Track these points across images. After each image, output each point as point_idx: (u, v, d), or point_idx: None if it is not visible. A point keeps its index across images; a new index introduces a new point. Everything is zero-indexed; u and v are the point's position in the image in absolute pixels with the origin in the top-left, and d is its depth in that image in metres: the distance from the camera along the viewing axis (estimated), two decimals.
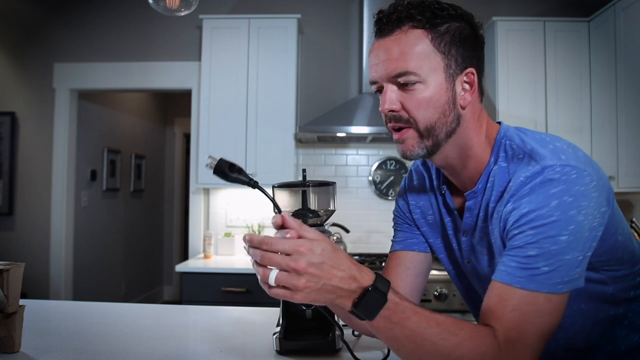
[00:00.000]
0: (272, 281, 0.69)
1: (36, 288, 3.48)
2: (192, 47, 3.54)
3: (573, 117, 3.10)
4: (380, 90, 0.89)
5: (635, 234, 2.83)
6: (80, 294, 3.85)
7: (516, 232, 0.78)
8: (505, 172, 0.86)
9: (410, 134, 0.87)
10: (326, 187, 1.16)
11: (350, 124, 2.95)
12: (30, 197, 3.63)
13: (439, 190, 1.02)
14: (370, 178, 3.45)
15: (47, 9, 3.68)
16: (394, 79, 0.85)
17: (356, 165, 3.48)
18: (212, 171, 0.82)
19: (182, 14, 1.59)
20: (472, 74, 0.87)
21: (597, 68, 3.04)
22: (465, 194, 0.92)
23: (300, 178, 1.27)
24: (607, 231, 0.82)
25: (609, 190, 0.83)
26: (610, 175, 2.86)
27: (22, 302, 1.09)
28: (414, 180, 1.10)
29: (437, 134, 0.86)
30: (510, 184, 0.82)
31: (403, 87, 0.85)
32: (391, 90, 0.86)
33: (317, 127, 2.97)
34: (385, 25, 0.85)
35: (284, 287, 0.69)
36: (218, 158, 0.83)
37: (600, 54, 3.01)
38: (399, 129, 0.88)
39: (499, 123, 0.94)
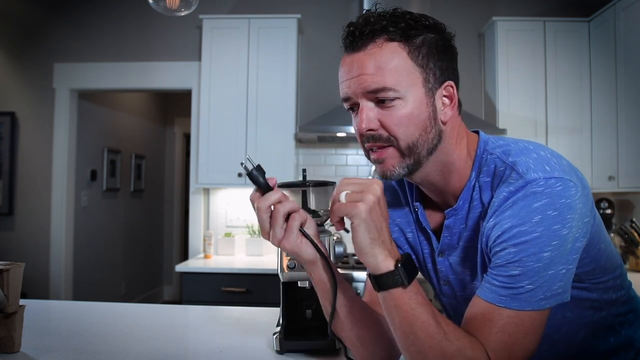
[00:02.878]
0: (343, 197, 0.76)
1: (36, 288, 3.48)
2: (192, 47, 3.54)
3: (573, 117, 3.10)
4: (353, 108, 0.85)
5: (635, 234, 2.83)
6: (80, 294, 3.85)
7: (498, 249, 0.76)
8: (488, 187, 0.83)
9: (390, 153, 0.82)
10: (326, 187, 1.16)
11: (351, 124, 2.95)
12: (30, 197, 3.63)
13: (413, 207, 0.97)
14: (370, 178, 3.44)
15: (47, 9, 3.68)
16: (370, 95, 0.80)
17: (356, 165, 3.48)
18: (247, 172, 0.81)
19: (182, 14, 1.59)
20: (452, 87, 0.84)
21: (597, 68, 3.04)
22: (445, 211, 0.88)
23: (300, 178, 1.27)
24: (591, 241, 0.81)
25: (591, 198, 0.81)
26: (610, 175, 2.86)
27: (22, 302, 1.09)
28: (385, 197, 1.05)
29: (418, 151, 0.82)
30: (493, 199, 0.79)
31: (380, 103, 0.80)
32: (368, 108, 0.81)
33: (317, 127, 2.97)
34: (358, 39, 0.80)
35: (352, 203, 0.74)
36: (255, 165, 0.81)
37: (600, 54, 3.01)
38: (377, 148, 0.83)
39: (477, 132, 0.91)
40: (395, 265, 0.74)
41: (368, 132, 0.81)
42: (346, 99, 0.84)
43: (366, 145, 0.84)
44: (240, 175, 3.13)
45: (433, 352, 0.73)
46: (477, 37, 3.48)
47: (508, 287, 0.74)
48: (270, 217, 0.79)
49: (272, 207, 0.79)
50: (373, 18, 0.80)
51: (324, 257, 0.83)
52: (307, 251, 0.81)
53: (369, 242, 0.74)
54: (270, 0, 3.54)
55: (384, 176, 0.85)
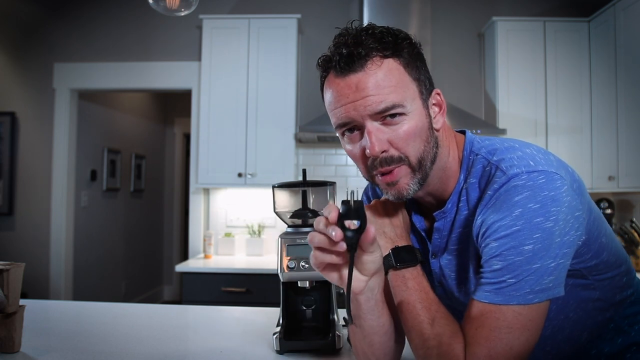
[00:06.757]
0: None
1: (36, 288, 3.48)
2: (192, 47, 3.54)
3: (573, 117, 3.10)
4: (352, 130, 0.81)
5: (635, 234, 2.83)
6: (80, 294, 3.85)
7: (483, 245, 0.76)
8: (475, 188, 0.83)
9: (403, 172, 0.81)
10: (326, 187, 1.16)
11: None
12: (30, 197, 3.63)
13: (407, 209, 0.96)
14: None
15: (47, 9, 3.68)
16: (377, 116, 0.78)
17: (356, 165, 3.47)
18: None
19: (182, 14, 1.59)
20: (438, 94, 0.85)
21: (597, 68, 3.04)
22: (434, 214, 0.88)
23: (300, 178, 1.27)
24: (590, 235, 0.80)
25: (584, 192, 0.81)
26: (610, 175, 2.86)
27: (22, 302, 1.09)
28: (377, 194, 1.03)
29: (425, 164, 0.81)
30: (481, 199, 0.80)
31: (387, 122, 0.78)
32: (377, 130, 0.78)
33: (317, 127, 2.97)
34: (355, 58, 0.77)
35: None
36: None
37: (600, 54, 3.01)
38: (388, 172, 0.80)
39: (463, 132, 0.90)
40: (390, 250, 0.85)
41: (382, 154, 0.79)
42: (345, 124, 0.80)
43: (376, 171, 0.81)
44: (240, 175, 3.13)
45: (414, 332, 0.80)
46: (477, 37, 3.48)
47: (491, 283, 0.74)
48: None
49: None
50: (363, 36, 0.78)
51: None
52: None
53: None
54: (270, 0, 3.54)
55: (399, 197, 0.82)
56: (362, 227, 0.68)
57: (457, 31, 3.47)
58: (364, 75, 0.77)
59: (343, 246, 0.68)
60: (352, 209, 0.68)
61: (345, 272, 0.73)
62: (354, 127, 0.81)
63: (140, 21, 3.58)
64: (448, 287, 0.91)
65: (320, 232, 0.70)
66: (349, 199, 0.69)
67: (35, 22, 3.68)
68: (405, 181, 0.81)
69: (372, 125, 0.78)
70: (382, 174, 0.81)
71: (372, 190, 1.05)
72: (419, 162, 0.81)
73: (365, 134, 0.79)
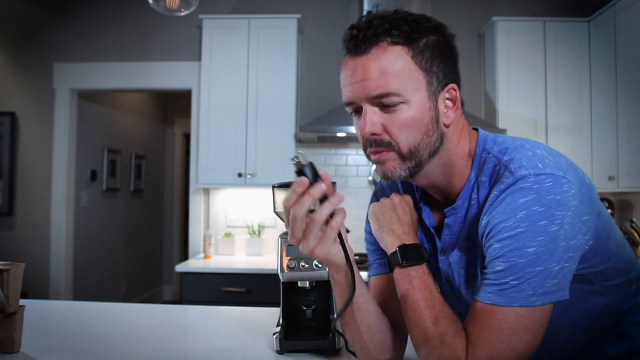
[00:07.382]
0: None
1: (36, 288, 3.48)
2: (192, 47, 3.54)
3: (573, 117, 3.10)
4: (356, 111, 0.84)
5: (635, 234, 2.83)
6: (80, 294, 3.85)
7: (487, 245, 0.76)
8: (485, 187, 0.82)
9: (390, 156, 0.82)
10: None
11: (350, 124, 2.95)
12: (30, 197, 3.63)
13: (417, 206, 0.96)
14: (371, 178, 3.45)
15: (47, 9, 3.68)
16: (374, 100, 0.79)
17: (356, 165, 3.48)
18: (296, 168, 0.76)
19: (182, 14, 1.60)
20: (454, 89, 0.84)
21: (597, 68, 3.04)
22: (445, 210, 0.88)
23: None
24: (599, 240, 0.79)
25: (594, 197, 0.80)
26: (610, 175, 2.86)
27: (22, 302, 1.09)
28: (387, 196, 1.03)
29: (420, 155, 0.82)
30: (488, 198, 0.79)
31: (384, 107, 0.80)
32: (372, 112, 0.80)
33: (317, 127, 2.97)
34: (361, 42, 0.79)
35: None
36: (307, 161, 0.75)
37: (600, 54, 3.01)
38: (377, 152, 0.83)
39: (476, 129, 0.90)
40: (397, 247, 0.86)
41: (371, 136, 0.81)
42: (349, 103, 0.83)
43: (368, 150, 0.84)
44: (240, 175, 3.13)
45: (416, 330, 0.80)
46: (477, 37, 3.48)
47: (494, 284, 0.74)
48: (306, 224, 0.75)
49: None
50: (376, 21, 0.79)
51: (350, 264, 0.81)
52: (339, 256, 0.80)
53: (377, 229, 0.91)
54: (270, 0, 3.54)
55: (384, 177, 0.84)
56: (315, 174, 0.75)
57: (457, 31, 3.41)
58: (367, 60, 0.79)
59: (305, 180, 0.74)
60: (301, 164, 0.75)
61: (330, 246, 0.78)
62: (358, 108, 0.83)
63: (140, 21, 3.58)
64: (456, 285, 0.91)
65: (287, 206, 0.76)
66: (294, 161, 0.75)
67: (35, 22, 3.68)
68: (392, 164, 0.83)
69: (368, 108, 0.81)
70: (374, 153, 0.84)
71: (381, 193, 1.05)
72: (410, 152, 0.81)
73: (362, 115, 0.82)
